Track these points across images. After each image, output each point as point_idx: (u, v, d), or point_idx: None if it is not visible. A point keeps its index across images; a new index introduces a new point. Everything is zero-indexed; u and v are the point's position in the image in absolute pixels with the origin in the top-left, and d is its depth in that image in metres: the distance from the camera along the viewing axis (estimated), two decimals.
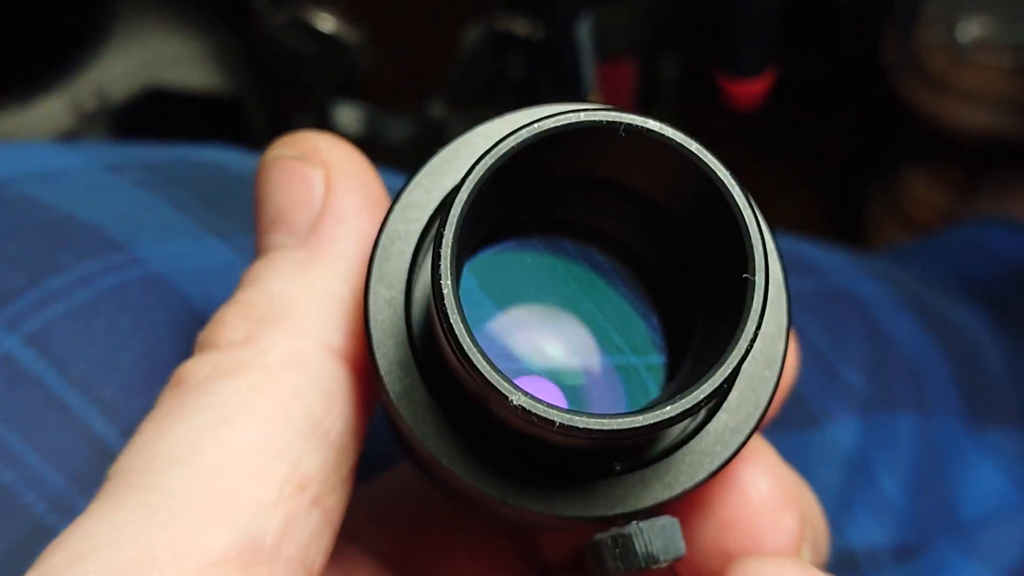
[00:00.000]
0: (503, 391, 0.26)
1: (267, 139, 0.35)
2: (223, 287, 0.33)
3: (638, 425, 0.26)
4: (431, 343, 0.30)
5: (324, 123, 0.91)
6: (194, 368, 0.31)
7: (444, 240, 0.26)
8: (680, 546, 0.30)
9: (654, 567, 0.30)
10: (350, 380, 0.31)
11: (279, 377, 0.30)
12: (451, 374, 0.29)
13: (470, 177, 0.27)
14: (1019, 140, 1.08)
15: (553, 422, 0.26)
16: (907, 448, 0.61)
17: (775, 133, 1.30)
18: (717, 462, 0.31)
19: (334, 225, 0.32)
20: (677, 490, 0.30)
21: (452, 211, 0.27)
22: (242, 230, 0.49)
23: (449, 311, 0.26)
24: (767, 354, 0.31)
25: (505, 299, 0.32)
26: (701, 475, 0.31)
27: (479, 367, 0.26)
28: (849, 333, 0.64)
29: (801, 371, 0.43)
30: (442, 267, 0.26)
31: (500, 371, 0.26)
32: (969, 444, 0.65)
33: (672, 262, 0.32)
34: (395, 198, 0.31)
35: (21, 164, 0.49)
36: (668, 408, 0.26)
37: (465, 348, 0.26)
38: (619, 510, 0.30)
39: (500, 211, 0.30)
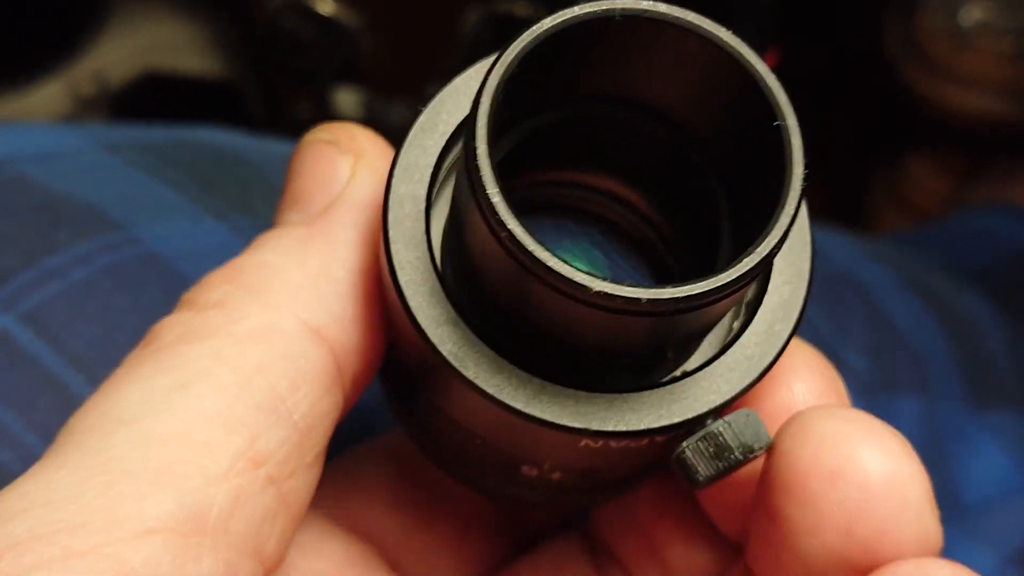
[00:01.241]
0: (582, 282, 0.24)
1: (265, 124, 0.35)
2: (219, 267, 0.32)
3: (731, 278, 0.25)
4: (473, 289, 0.29)
5: (323, 107, 0.90)
6: (166, 327, 0.30)
7: (478, 152, 0.25)
8: (767, 435, 0.29)
9: (751, 458, 0.29)
10: (325, 362, 0.30)
11: (246, 347, 0.29)
12: (506, 311, 0.27)
13: (487, 84, 0.25)
14: (1021, 126, 1.08)
15: (639, 299, 0.24)
16: (909, 431, 0.61)
17: None
18: (784, 334, 0.30)
19: (346, 211, 0.32)
20: (755, 373, 0.29)
21: (478, 121, 0.25)
22: (239, 211, 0.49)
23: (505, 219, 0.25)
24: (798, 225, 0.30)
25: None
26: (773, 351, 0.30)
27: (552, 265, 0.24)
28: (851, 316, 0.63)
29: None
30: (484, 176, 0.25)
31: (569, 263, 0.25)
32: (972, 427, 0.65)
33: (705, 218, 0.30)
34: (392, 163, 0.30)
35: (17, 145, 0.49)
36: (746, 260, 0.25)
37: (531, 249, 0.24)
38: (700, 409, 0.29)
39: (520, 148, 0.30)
